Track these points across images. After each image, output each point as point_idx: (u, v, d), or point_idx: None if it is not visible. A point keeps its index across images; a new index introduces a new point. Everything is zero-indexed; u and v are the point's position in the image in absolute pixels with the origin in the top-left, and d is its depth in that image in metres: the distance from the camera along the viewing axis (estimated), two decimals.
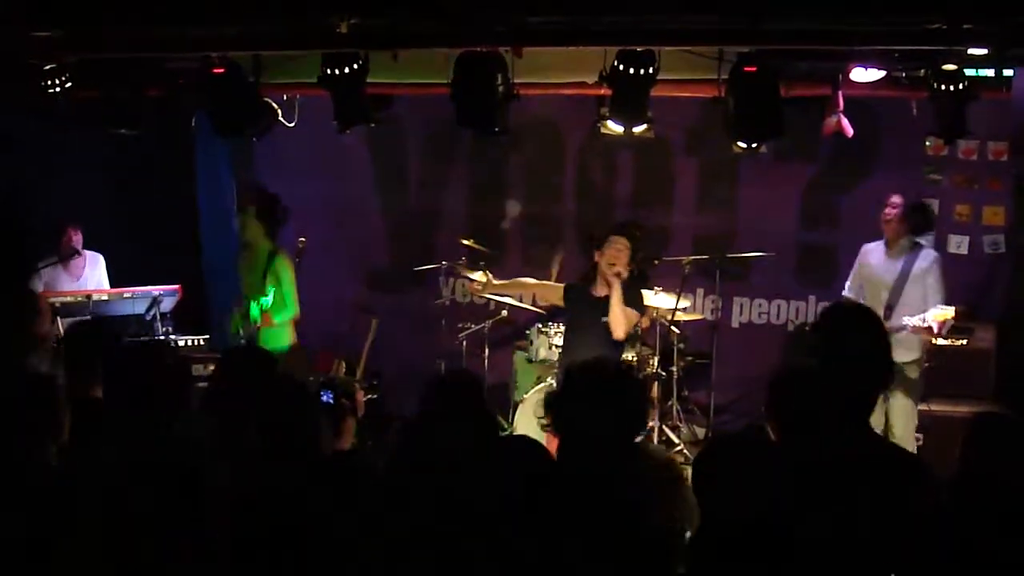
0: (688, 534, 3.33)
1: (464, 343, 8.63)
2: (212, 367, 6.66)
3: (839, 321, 3.54)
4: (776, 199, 8.88)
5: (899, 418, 6.71)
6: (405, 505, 3.13)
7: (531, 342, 7.96)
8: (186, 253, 8.74)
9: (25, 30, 6.02)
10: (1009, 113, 6.90)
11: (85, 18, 5.90)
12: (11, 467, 3.24)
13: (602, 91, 6.26)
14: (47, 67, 6.34)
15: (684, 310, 8.09)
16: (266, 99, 6.88)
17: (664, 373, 8.12)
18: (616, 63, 5.83)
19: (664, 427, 8.13)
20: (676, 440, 8.20)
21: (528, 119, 8.54)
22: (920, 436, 6.92)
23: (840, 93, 6.45)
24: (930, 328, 6.45)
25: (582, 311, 6.54)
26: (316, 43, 6.03)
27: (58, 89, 6.37)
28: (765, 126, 5.96)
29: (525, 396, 7.50)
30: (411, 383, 6.83)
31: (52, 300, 7.00)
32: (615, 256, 6.35)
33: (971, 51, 5.78)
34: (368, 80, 6.15)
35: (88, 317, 6.80)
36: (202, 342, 7.50)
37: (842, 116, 6.48)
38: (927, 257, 6.84)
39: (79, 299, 7.23)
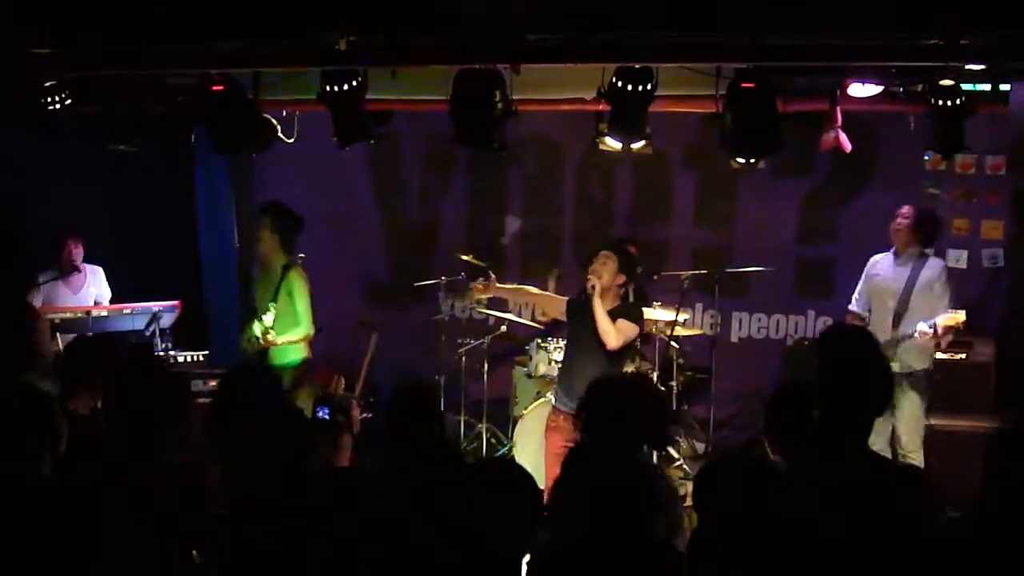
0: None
1: (463, 358, 8.62)
2: (212, 383, 6.73)
3: (838, 345, 3.53)
4: (775, 214, 8.89)
5: (906, 427, 6.74)
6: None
7: (531, 357, 7.96)
8: (186, 269, 8.75)
9: (25, 47, 6.04)
10: (1007, 127, 6.92)
11: (84, 35, 5.92)
12: (4, 482, 3.24)
13: (600, 107, 6.27)
14: (47, 84, 6.35)
15: (683, 324, 8.09)
16: (265, 115, 6.88)
17: (663, 388, 8.11)
18: (614, 79, 5.84)
19: None
20: (675, 455, 8.19)
21: (527, 135, 8.57)
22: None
23: (838, 108, 6.45)
24: (937, 334, 6.47)
25: (579, 324, 6.57)
26: (315, 60, 6.04)
27: (58, 106, 6.38)
28: (763, 142, 5.96)
29: (525, 412, 7.50)
30: None
31: (52, 316, 7.02)
32: (596, 268, 6.38)
33: (968, 66, 5.80)
34: (367, 96, 6.16)
35: (89, 333, 6.79)
36: (201, 358, 7.49)
37: (840, 131, 6.48)
38: (934, 266, 6.89)
39: (78, 315, 7.23)
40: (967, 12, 5.24)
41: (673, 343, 8.10)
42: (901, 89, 6.42)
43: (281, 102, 7.06)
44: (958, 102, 5.87)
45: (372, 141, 6.50)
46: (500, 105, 5.89)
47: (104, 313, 7.39)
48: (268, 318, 6.81)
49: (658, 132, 6.33)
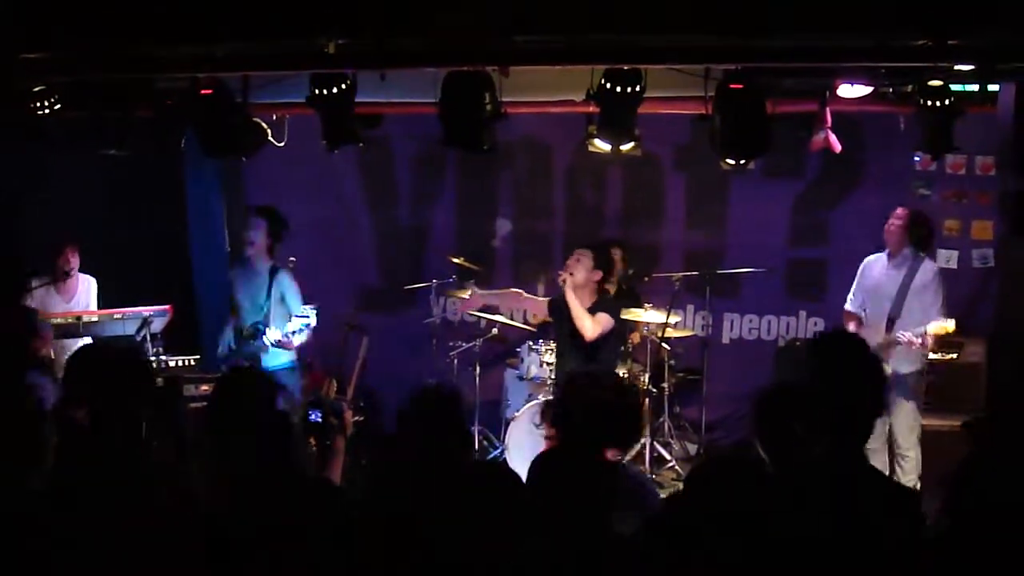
0: None
1: (455, 361, 8.62)
2: (204, 387, 6.73)
3: (832, 352, 3.52)
4: (765, 215, 8.90)
5: (902, 428, 6.77)
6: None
7: (522, 360, 7.98)
8: (176, 273, 8.72)
9: (14, 52, 6.02)
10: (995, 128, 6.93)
11: (74, 40, 5.90)
12: None
13: (590, 108, 6.28)
14: (36, 88, 6.34)
15: (674, 326, 8.10)
16: (255, 119, 6.87)
17: (655, 390, 8.12)
18: (603, 81, 5.84)
19: (655, 443, 8.12)
20: (668, 457, 8.20)
21: (517, 137, 8.58)
22: None
23: (827, 109, 6.47)
24: (924, 343, 6.50)
25: (560, 321, 6.68)
26: (304, 63, 6.03)
27: (48, 111, 6.37)
28: (752, 143, 5.97)
29: (516, 414, 7.50)
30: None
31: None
32: (569, 264, 6.61)
33: (957, 67, 5.82)
34: (357, 100, 6.16)
35: (90, 340, 6.77)
36: (193, 362, 7.46)
37: (830, 132, 6.50)
38: (928, 270, 6.90)
39: (69, 320, 7.21)
40: (956, 13, 5.25)
41: (665, 345, 8.11)
42: (890, 90, 6.43)
43: (271, 106, 7.07)
44: (947, 103, 5.89)
45: (362, 144, 6.50)
46: (489, 107, 5.90)
47: (95, 318, 7.35)
48: (261, 321, 6.87)
49: (648, 134, 6.34)
